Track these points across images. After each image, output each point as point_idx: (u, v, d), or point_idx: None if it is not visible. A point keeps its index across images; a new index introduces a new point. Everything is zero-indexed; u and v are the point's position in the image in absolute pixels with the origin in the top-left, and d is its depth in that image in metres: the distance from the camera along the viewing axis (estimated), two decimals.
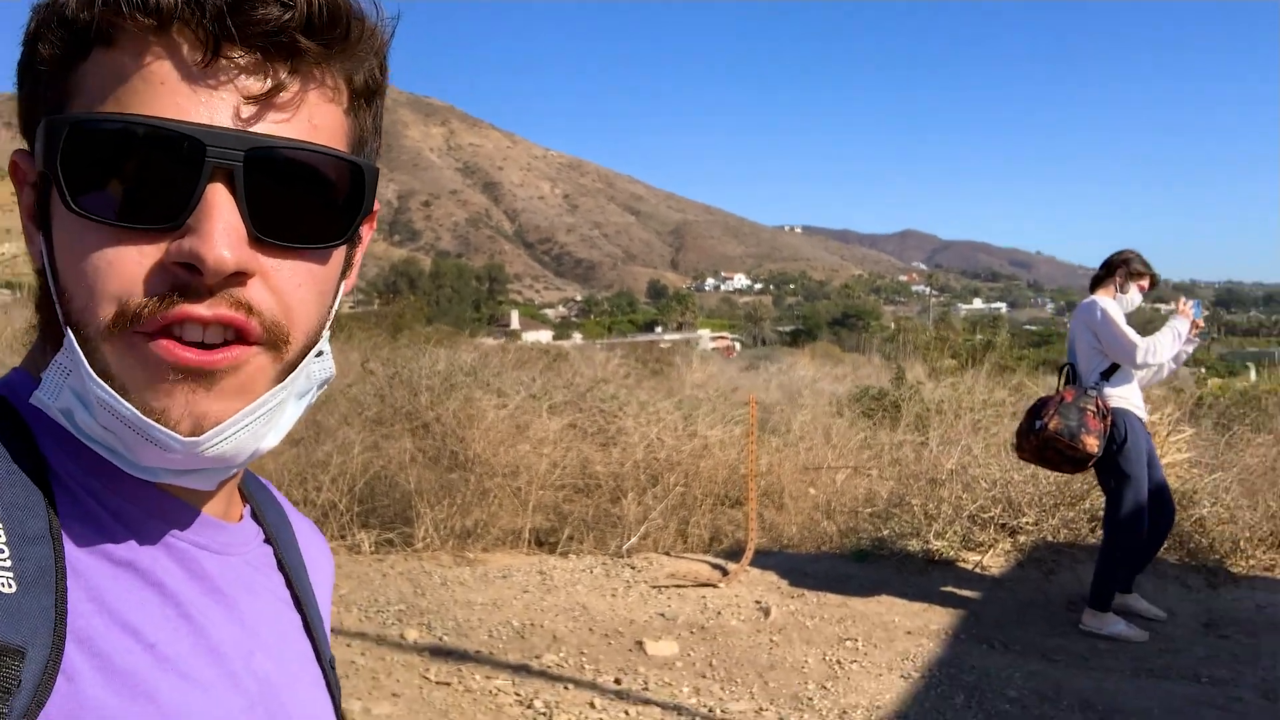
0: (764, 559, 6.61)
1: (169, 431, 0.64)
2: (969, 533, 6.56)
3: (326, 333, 0.76)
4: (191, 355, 0.64)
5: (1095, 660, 5.10)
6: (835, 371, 20.79)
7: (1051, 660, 5.11)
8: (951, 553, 6.37)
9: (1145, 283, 5.60)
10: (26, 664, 0.59)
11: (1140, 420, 5.41)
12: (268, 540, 0.88)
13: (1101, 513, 6.28)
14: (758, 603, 5.86)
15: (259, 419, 0.69)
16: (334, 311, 0.77)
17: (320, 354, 0.75)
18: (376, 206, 0.80)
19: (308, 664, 0.86)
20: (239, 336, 0.66)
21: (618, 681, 4.76)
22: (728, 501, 7.47)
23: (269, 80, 0.66)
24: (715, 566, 6.53)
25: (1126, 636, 5.33)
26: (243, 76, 0.65)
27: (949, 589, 6.10)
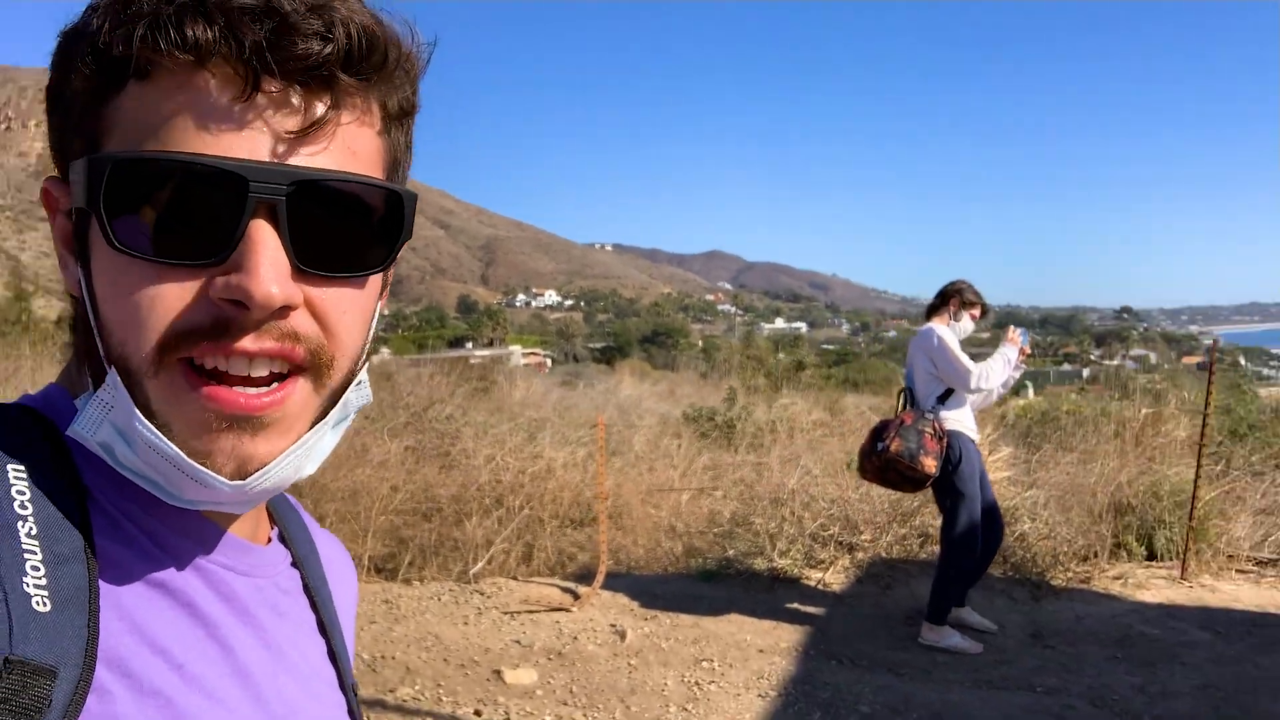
0: (613, 581, 6.59)
1: (215, 475, 0.65)
2: (811, 550, 6.75)
3: (365, 363, 0.77)
4: (241, 400, 0.65)
5: (937, 673, 5.33)
6: (655, 389, 21.05)
7: (898, 674, 5.31)
8: (795, 570, 6.54)
9: (977, 311, 5.86)
10: (58, 683, 0.59)
11: (972, 442, 5.67)
12: (295, 564, 0.88)
13: (933, 530, 6.61)
14: (613, 626, 5.83)
15: (301, 454, 0.70)
16: (372, 335, 0.77)
17: (359, 384, 0.75)
18: None
19: (332, 690, 0.86)
20: (284, 368, 0.67)
21: (478, 714, 4.64)
22: (572, 524, 7.41)
23: (308, 113, 0.66)
24: (566, 590, 6.46)
25: (962, 649, 5.59)
26: (282, 110, 0.65)
27: (795, 606, 6.24)
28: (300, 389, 0.68)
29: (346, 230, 0.69)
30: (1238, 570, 6.95)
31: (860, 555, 6.86)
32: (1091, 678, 5.28)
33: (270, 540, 0.85)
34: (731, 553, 6.75)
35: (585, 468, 7.69)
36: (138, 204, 0.64)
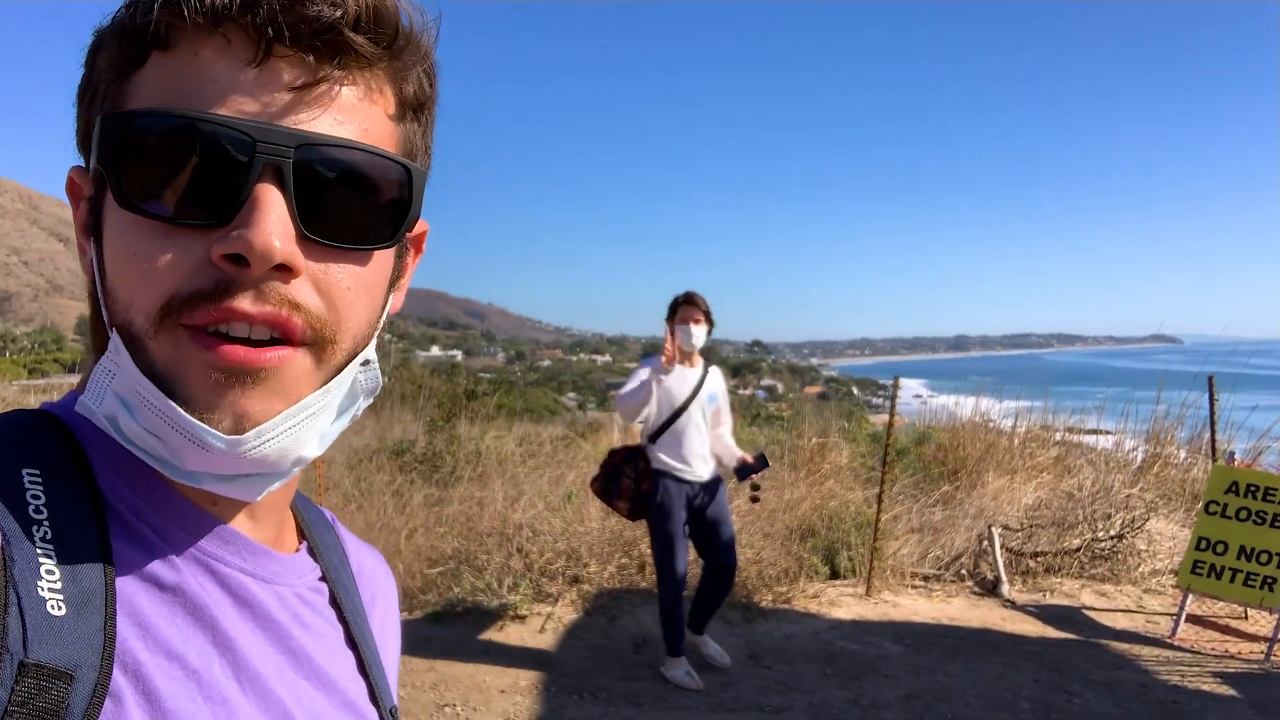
0: None
1: (210, 429, 0.64)
2: (539, 585, 6.72)
3: (374, 342, 0.76)
4: (239, 353, 0.64)
5: (673, 700, 5.47)
6: None
7: (637, 704, 5.39)
8: (525, 607, 6.48)
9: (696, 319, 5.54)
10: (75, 687, 0.59)
11: (676, 480, 5.54)
12: (323, 579, 0.86)
13: (650, 559, 6.79)
14: None
15: (301, 423, 0.69)
16: (383, 320, 0.77)
17: (367, 363, 0.75)
18: (425, 226, 0.84)
19: (361, 703, 0.84)
20: (284, 337, 0.66)
21: None
22: None
23: (318, 77, 0.67)
24: None
25: (683, 684, 5.62)
26: (294, 75, 0.66)
27: (528, 643, 6.18)
28: (299, 359, 0.68)
29: (354, 201, 0.69)
30: (911, 586, 7.72)
31: (586, 587, 6.91)
32: (810, 694, 5.64)
33: (298, 550, 0.85)
34: (458, 591, 6.57)
35: None
36: (147, 163, 0.64)
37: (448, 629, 6.33)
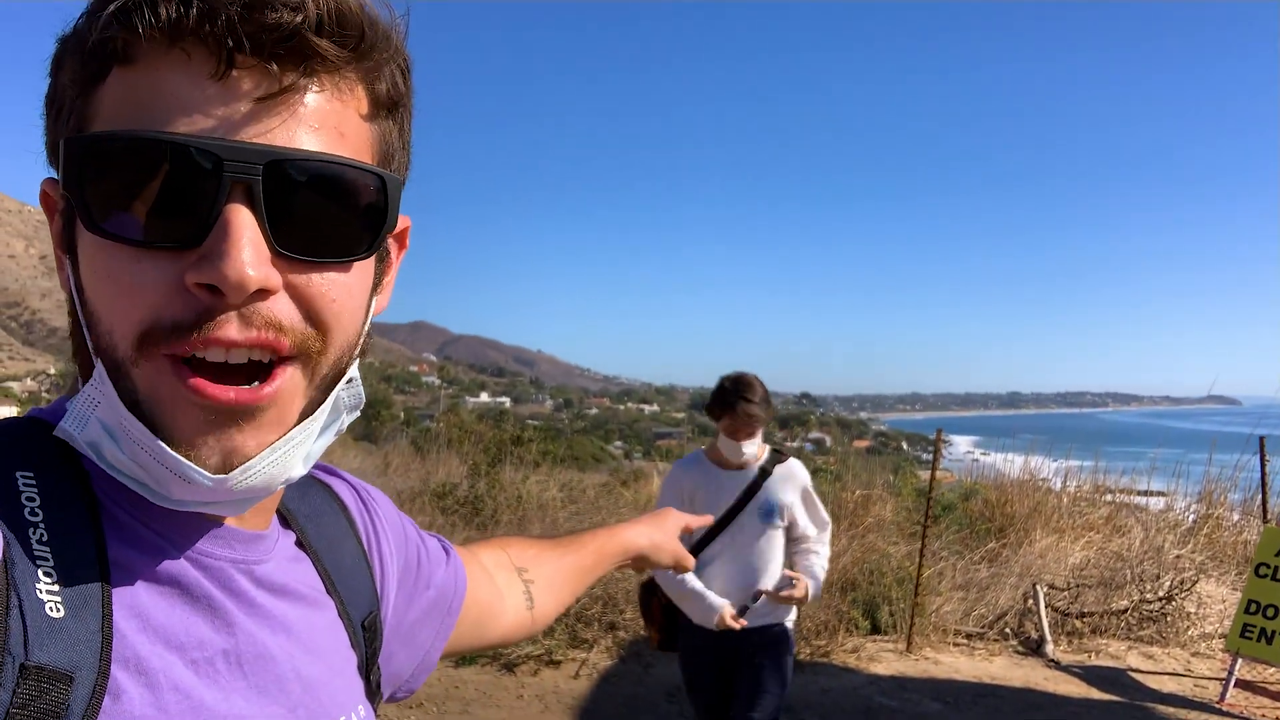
0: None
1: (198, 469, 0.64)
2: (575, 630, 6.73)
3: (356, 359, 0.75)
4: (231, 395, 0.64)
5: None
6: (371, 463, 20.30)
7: None
8: (561, 652, 6.49)
9: (749, 432, 3.90)
10: (75, 688, 0.60)
11: (701, 629, 3.92)
12: (287, 526, 0.87)
13: None
14: None
15: (287, 452, 0.68)
16: (365, 330, 0.76)
17: (350, 380, 0.74)
18: (406, 223, 0.82)
19: (343, 652, 0.87)
20: (273, 355, 0.65)
21: None
22: None
23: (283, 86, 0.65)
24: None
25: None
26: (258, 86, 0.64)
27: (562, 689, 6.19)
28: (290, 377, 0.67)
29: (328, 213, 0.67)
30: (953, 643, 7.60)
31: (622, 634, 6.91)
32: None
33: (270, 522, 0.83)
34: None
35: None
36: (114, 186, 0.63)
37: (482, 674, 6.36)
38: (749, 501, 3.86)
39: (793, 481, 3.95)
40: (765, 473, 3.89)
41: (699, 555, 3.83)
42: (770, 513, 3.87)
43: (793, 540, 3.98)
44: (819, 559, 3.96)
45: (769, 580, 3.85)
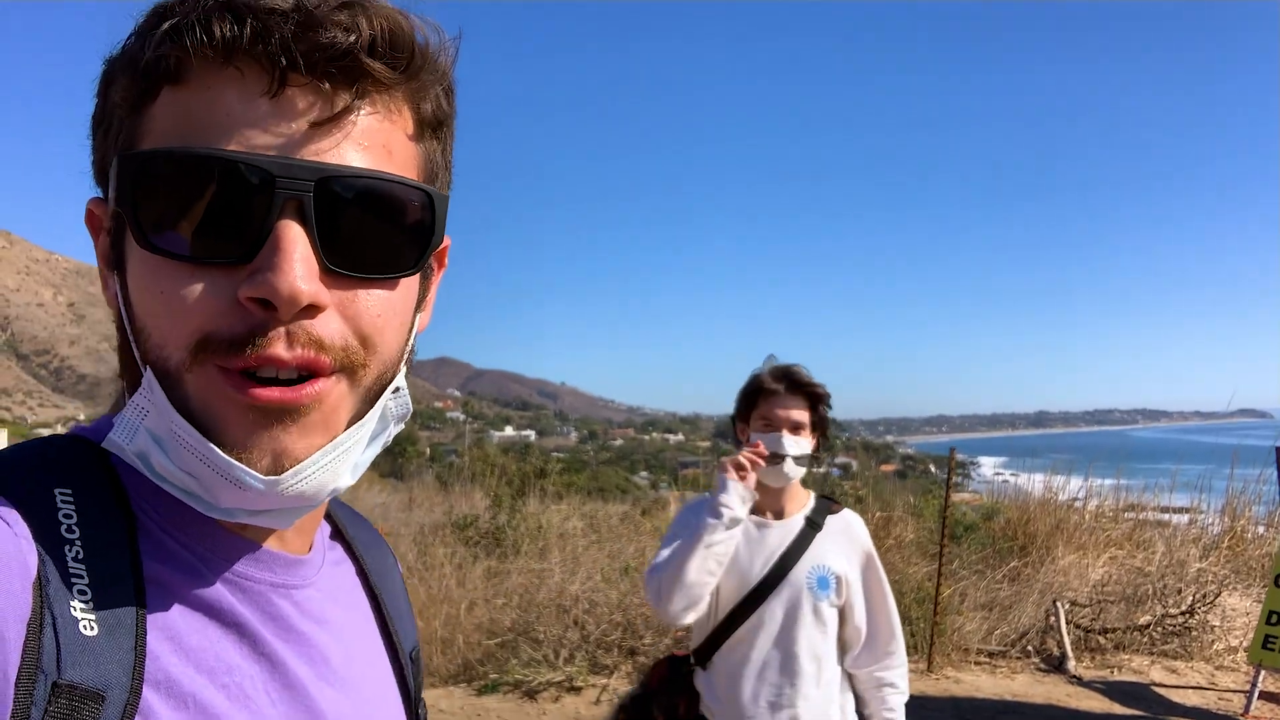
0: None
1: (250, 470, 0.64)
2: (595, 657, 6.78)
3: (404, 368, 0.76)
4: (275, 394, 0.65)
5: None
6: (397, 497, 20.40)
7: None
8: (581, 679, 6.54)
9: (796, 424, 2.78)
10: (106, 707, 0.59)
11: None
12: (354, 558, 0.90)
13: None
14: None
15: (337, 457, 0.69)
16: (411, 344, 0.77)
17: (397, 390, 0.75)
18: (447, 242, 0.82)
19: (385, 683, 0.87)
20: (315, 373, 0.66)
21: None
22: None
23: (336, 107, 0.66)
24: None
25: None
26: (311, 105, 0.65)
27: (582, 715, 6.23)
28: (334, 385, 0.68)
29: (377, 230, 0.68)
30: (974, 662, 7.59)
31: (642, 659, 6.95)
32: None
33: (311, 547, 0.83)
34: (514, 663, 6.67)
35: None
36: (167, 203, 0.64)
37: (505, 701, 6.41)
38: (793, 565, 2.67)
39: (853, 542, 2.77)
40: (814, 525, 2.73)
41: (720, 642, 2.68)
42: (825, 584, 2.67)
43: (843, 641, 2.73)
44: (897, 694, 2.74)
45: (820, 694, 2.62)
